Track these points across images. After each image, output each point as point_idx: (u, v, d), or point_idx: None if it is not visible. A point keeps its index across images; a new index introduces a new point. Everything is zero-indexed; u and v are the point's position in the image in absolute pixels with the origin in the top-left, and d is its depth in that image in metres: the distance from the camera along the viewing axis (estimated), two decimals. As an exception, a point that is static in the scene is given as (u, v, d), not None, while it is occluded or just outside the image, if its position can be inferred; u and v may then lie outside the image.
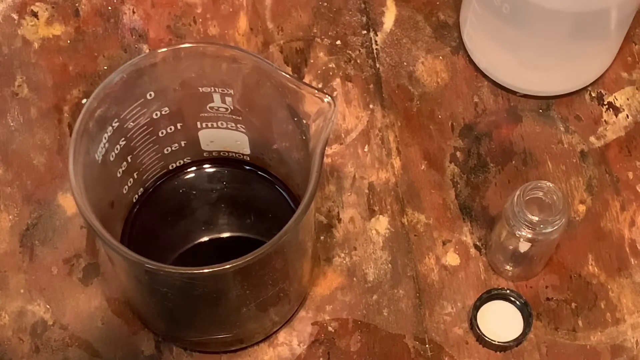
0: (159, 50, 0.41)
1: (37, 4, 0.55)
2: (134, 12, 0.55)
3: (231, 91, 0.42)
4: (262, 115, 0.43)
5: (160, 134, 0.44)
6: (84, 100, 0.52)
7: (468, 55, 0.54)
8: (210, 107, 0.43)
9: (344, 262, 0.48)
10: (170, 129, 0.44)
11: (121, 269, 0.42)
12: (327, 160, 0.51)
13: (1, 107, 0.52)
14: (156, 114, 0.42)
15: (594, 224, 0.49)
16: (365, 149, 0.51)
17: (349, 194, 0.50)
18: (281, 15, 0.55)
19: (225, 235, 0.47)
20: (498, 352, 0.46)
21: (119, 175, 0.43)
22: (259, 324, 0.44)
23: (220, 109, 0.43)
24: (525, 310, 0.46)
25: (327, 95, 0.39)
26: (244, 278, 0.39)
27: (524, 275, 0.48)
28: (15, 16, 0.55)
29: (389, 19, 0.55)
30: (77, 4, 0.55)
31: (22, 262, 0.48)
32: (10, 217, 0.49)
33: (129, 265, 0.40)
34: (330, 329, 0.46)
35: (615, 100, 0.53)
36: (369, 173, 0.50)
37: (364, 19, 0.55)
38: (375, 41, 0.54)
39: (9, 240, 0.48)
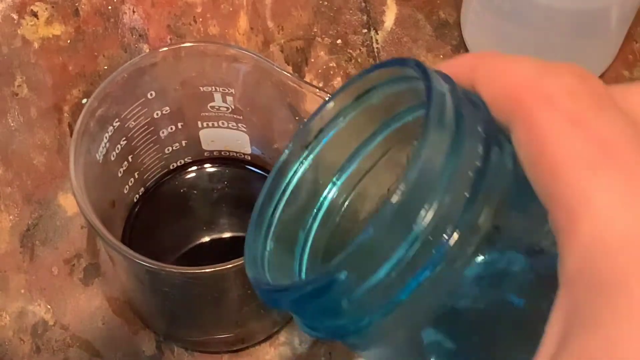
0: (160, 50, 0.41)
1: (36, 3, 0.55)
2: (134, 12, 0.55)
3: (232, 90, 0.42)
4: (263, 115, 0.43)
5: (161, 134, 0.44)
6: (84, 100, 0.52)
7: (469, 54, 0.54)
8: (211, 107, 0.43)
9: (345, 261, 0.48)
10: (171, 128, 0.44)
11: (122, 269, 0.42)
12: (328, 159, 0.50)
13: (1, 107, 0.52)
14: (157, 114, 0.42)
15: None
16: (366, 148, 0.51)
17: (350, 193, 0.50)
18: (281, 14, 0.55)
19: (227, 234, 0.47)
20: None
21: (119, 175, 0.43)
22: (261, 323, 0.44)
23: (221, 108, 0.43)
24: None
25: (328, 94, 0.39)
26: (245, 278, 0.39)
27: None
28: (14, 16, 0.55)
29: (389, 17, 0.55)
30: (76, 4, 0.55)
31: (22, 262, 0.47)
32: (11, 217, 0.49)
33: (130, 265, 0.40)
34: (331, 328, 0.46)
35: (616, 98, 0.53)
36: (370, 172, 0.50)
37: (365, 17, 0.55)
38: (376, 40, 0.54)
39: (9, 240, 0.48)
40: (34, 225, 0.48)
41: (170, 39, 0.54)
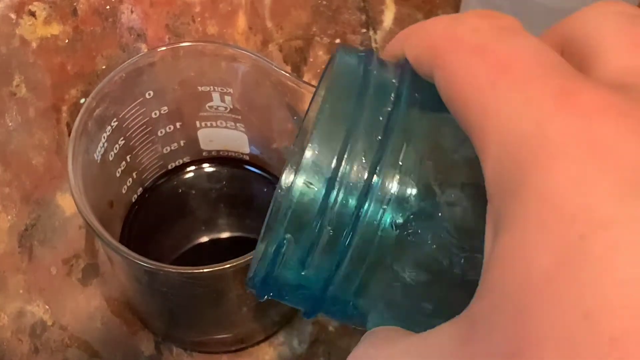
0: (158, 49, 0.40)
1: (35, 3, 0.55)
2: (132, 12, 0.55)
3: (230, 90, 0.42)
4: (261, 114, 0.43)
5: (159, 134, 0.43)
6: (82, 100, 0.52)
7: (468, 54, 0.54)
8: (209, 106, 0.43)
9: (344, 261, 0.48)
10: (170, 128, 0.44)
11: (121, 269, 0.42)
12: (326, 159, 0.50)
13: (-1, 107, 0.52)
14: (155, 114, 0.42)
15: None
16: (365, 148, 0.51)
17: (349, 193, 0.50)
18: (280, 14, 0.55)
19: (225, 234, 0.47)
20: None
21: (118, 175, 0.43)
22: (260, 323, 0.44)
23: (220, 108, 0.43)
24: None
25: (327, 94, 0.39)
26: (244, 278, 0.39)
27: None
28: (13, 16, 0.54)
29: (388, 17, 0.55)
30: (75, 3, 0.55)
31: (21, 262, 0.47)
32: (9, 217, 0.49)
33: (128, 265, 0.39)
34: (331, 328, 0.46)
35: (615, 98, 0.53)
36: (369, 172, 0.50)
37: (364, 17, 0.55)
38: (375, 39, 0.54)
39: (7, 240, 0.48)
40: (32, 226, 0.48)
41: (169, 38, 0.54)
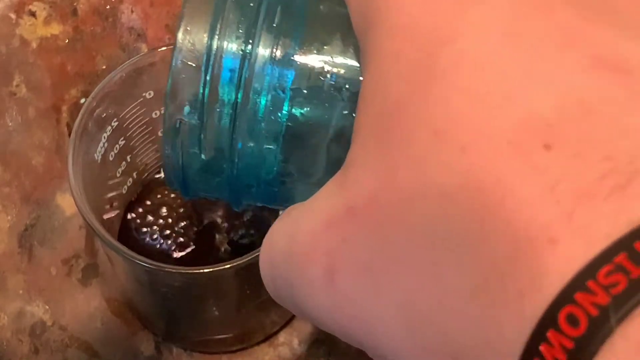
0: (158, 50, 0.40)
1: (35, 3, 0.55)
2: (132, 11, 0.55)
3: (230, 90, 0.42)
4: (261, 114, 0.43)
5: (159, 134, 0.43)
6: (82, 100, 0.52)
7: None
8: (209, 106, 0.43)
9: (345, 261, 0.48)
10: (170, 128, 0.44)
11: (121, 269, 0.42)
12: (326, 159, 0.50)
13: (-1, 107, 0.52)
14: (155, 114, 0.42)
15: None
16: (365, 148, 0.51)
17: (349, 193, 0.50)
18: (280, 13, 0.55)
19: (225, 235, 0.47)
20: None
21: (118, 175, 0.43)
22: (260, 324, 0.44)
23: (220, 108, 0.43)
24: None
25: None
26: (244, 278, 0.39)
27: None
28: (13, 16, 0.54)
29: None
30: (75, 3, 0.55)
31: (20, 262, 0.47)
32: (9, 217, 0.49)
33: (128, 265, 0.39)
34: (330, 328, 0.46)
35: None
36: (369, 172, 0.50)
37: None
38: (375, 40, 0.54)
39: (7, 240, 0.48)
40: (32, 226, 0.48)
41: (169, 38, 0.54)
